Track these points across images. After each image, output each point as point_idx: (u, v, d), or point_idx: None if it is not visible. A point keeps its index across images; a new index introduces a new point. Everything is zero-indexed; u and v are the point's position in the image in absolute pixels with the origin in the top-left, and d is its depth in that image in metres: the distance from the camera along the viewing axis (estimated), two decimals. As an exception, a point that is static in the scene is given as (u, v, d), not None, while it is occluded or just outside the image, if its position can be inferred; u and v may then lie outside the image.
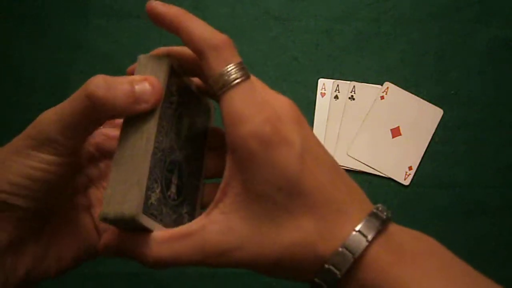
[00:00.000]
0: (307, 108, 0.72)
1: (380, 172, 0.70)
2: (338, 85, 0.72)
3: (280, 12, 0.76)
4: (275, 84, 0.73)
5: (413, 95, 0.72)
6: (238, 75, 0.26)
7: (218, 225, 0.26)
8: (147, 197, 0.27)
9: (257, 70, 0.74)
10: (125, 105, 0.26)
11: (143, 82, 0.26)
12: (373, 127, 0.71)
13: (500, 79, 0.73)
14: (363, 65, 0.74)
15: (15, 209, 0.27)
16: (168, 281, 0.67)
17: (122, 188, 0.26)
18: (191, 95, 0.32)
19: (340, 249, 0.25)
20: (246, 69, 0.27)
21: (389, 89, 0.72)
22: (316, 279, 0.25)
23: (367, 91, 0.72)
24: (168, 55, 0.29)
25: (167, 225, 0.28)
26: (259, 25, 0.75)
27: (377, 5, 0.75)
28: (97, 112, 0.26)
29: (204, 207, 0.33)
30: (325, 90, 0.72)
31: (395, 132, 0.71)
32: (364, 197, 0.28)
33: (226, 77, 0.26)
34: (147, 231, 0.27)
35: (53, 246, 0.29)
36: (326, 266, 0.25)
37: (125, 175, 0.26)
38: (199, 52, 0.26)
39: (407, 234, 0.27)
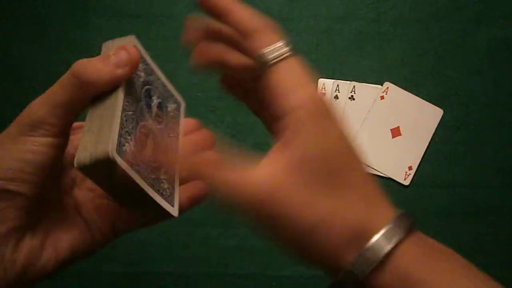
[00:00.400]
0: (307, 108, 0.72)
1: (380, 172, 0.70)
2: (338, 85, 0.72)
3: (280, 12, 0.76)
4: (275, 84, 0.74)
5: (413, 95, 0.72)
6: (287, 50, 0.28)
7: (270, 177, 0.27)
8: (120, 143, 0.27)
9: (257, 70, 0.74)
10: (107, 74, 0.28)
11: (119, 51, 0.29)
12: (373, 127, 0.71)
13: (499, 79, 0.73)
14: (363, 65, 0.74)
15: (13, 196, 0.27)
16: (168, 281, 0.67)
17: (95, 136, 0.27)
18: (159, 80, 0.34)
19: (380, 235, 0.25)
20: (293, 47, 0.29)
21: (389, 89, 0.72)
22: (352, 261, 0.25)
23: (367, 91, 0.72)
24: (133, 36, 0.32)
25: (146, 181, 0.29)
26: (259, 25, 0.75)
27: (377, 5, 0.75)
28: (83, 87, 0.28)
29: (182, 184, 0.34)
30: (325, 90, 0.72)
31: (395, 132, 0.71)
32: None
33: (274, 52, 0.28)
34: (130, 181, 0.27)
35: (49, 238, 0.30)
36: (367, 246, 0.25)
37: (97, 125, 0.27)
38: (248, 32, 0.29)
39: (432, 239, 0.28)
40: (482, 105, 0.72)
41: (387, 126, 0.71)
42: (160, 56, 0.77)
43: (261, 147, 0.29)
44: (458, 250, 0.28)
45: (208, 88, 0.72)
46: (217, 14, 0.29)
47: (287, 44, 0.29)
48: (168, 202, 0.30)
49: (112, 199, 0.31)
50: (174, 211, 0.31)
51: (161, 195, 0.30)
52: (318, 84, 0.72)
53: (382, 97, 0.72)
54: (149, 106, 0.31)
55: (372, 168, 0.70)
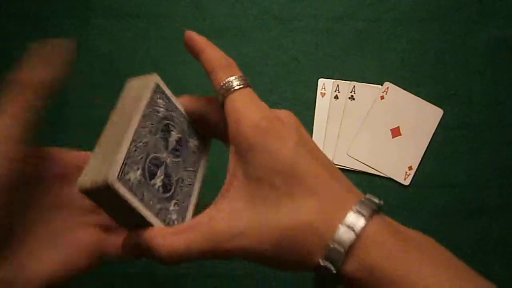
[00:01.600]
0: (307, 108, 0.72)
1: (380, 172, 0.70)
2: (338, 85, 0.72)
3: (280, 12, 0.76)
4: (275, 84, 0.74)
5: (413, 95, 0.72)
6: (240, 82, 0.31)
7: (225, 212, 0.29)
8: (124, 171, 0.28)
9: (257, 70, 0.74)
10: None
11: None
12: (373, 127, 0.71)
13: (500, 79, 0.73)
14: (363, 65, 0.74)
15: None
16: (167, 281, 0.67)
17: (100, 162, 0.28)
18: (182, 117, 0.36)
19: (341, 227, 0.26)
20: (247, 81, 0.32)
21: (389, 89, 0.72)
22: (321, 261, 0.26)
23: (367, 91, 0.72)
24: (155, 74, 0.34)
25: (149, 210, 0.30)
26: (259, 25, 0.75)
27: (377, 5, 0.75)
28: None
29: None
30: (325, 90, 0.72)
31: (395, 132, 0.71)
32: (358, 192, 0.30)
33: (230, 84, 0.31)
34: (131, 208, 0.28)
35: (23, 271, 0.30)
36: (331, 245, 0.26)
37: (104, 151, 0.29)
38: (212, 69, 0.32)
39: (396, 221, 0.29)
40: (482, 105, 0.72)
41: (387, 126, 0.71)
42: (160, 56, 0.77)
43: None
44: (458, 250, 0.28)
45: (209, 88, 0.72)
46: (194, 54, 0.34)
47: (239, 78, 0.31)
48: None
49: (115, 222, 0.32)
50: None
51: (167, 225, 0.31)
52: (319, 84, 0.73)
53: (382, 97, 0.72)
54: (165, 140, 0.33)
55: (372, 168, 0.70)
